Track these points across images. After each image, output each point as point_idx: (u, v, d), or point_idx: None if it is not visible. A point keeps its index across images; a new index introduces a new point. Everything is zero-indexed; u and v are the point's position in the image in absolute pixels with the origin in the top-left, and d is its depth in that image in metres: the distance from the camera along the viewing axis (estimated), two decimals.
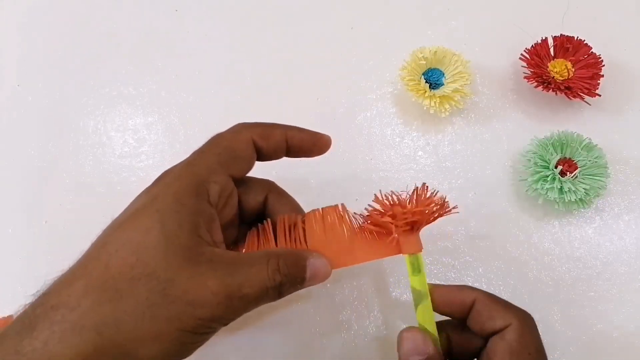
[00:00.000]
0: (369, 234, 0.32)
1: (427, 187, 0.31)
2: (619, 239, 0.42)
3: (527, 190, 0.42)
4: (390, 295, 0.40)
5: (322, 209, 0.32)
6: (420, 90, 0.43)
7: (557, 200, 0.40)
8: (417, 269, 0.31)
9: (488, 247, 0.42)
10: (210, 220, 0.27)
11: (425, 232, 0.42)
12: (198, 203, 0.27)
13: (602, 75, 0.45)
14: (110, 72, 0.48)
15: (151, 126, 0.46)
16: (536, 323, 0.29)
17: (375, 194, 0.31)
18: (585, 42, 0.46)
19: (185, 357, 0.26)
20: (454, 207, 0.31)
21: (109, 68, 0.48)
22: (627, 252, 0.42)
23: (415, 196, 0.31)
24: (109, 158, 0.45)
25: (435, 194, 0.31)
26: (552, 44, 0.46)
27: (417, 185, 0.31)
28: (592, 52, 0.45)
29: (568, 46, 0.45)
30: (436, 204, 0.31)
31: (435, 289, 0.31)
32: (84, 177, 0.44)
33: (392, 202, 0.31)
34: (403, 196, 0.31)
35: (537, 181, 0.41)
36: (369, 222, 0.31)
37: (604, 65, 0.45)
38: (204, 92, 0.47)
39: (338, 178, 0.44)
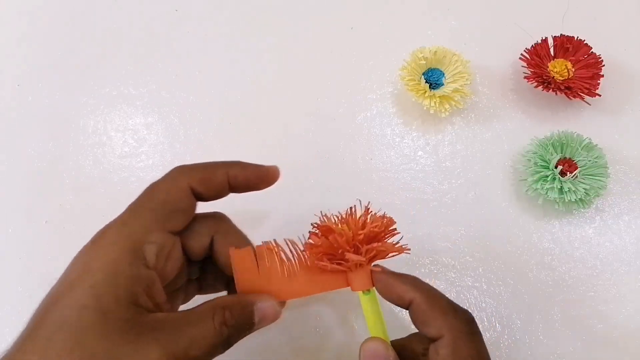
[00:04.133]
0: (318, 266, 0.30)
1: (353, 209, 0.30)
2: (619, 239, 0.42)
3: (527, 190, 0.42)
4: None
5: (272, 242, 0.31)
6: (420, 90, 0.43)
7: (557, 200, 0.40)
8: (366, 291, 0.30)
9: (488, 247, 0.42)
10: (150, 284, 0.26)
11: (425, 232, 0.42)
12: (134, 269, 0.25)
13: (602, 75, 0.45)
14: (110, 72, 0.48)
15: (151, 126, 0.46)
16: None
17: (309, 231, 0.30)
18: (585, 42, 0.46)
19: None
20: (396, 232, 0.30)
21: (109, 68, 0.48)
22: (627, 252, 0.42)
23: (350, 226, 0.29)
24: (109, 158, 0.45)
25: (374, 214, 0.29)
26: (552, 44, 0.46)
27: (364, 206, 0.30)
28: (592, 52, 0.45)
29: (568, 46, 0.45)
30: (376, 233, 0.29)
31: (379, 277, 0.29)
32: (84, 177, 0.44)
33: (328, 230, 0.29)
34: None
35: (537, 181, 0.41)
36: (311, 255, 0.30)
37: (604, 65, 0.45)
38: (204, 92, 0.47)
39: (338, 178, 0.44)
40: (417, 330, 0.29)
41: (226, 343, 0.27)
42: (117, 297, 0.24)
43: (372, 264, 0.30)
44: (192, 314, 0.26)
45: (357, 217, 0.29)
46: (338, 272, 0.29)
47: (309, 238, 0.30)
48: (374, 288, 0.30)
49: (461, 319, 0.28)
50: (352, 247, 0.29)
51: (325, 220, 0.29)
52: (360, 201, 0.30)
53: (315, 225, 0.30)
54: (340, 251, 0.28)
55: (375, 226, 0.29)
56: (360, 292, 0.30)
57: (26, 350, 0.23)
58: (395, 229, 0.30)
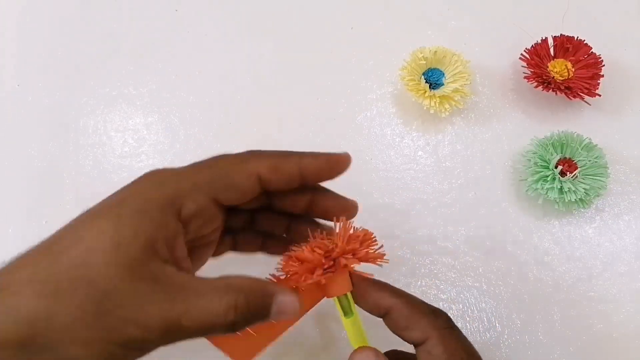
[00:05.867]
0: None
1: (349, 223, 0.29)
2: (619, 239, 0.42)
3: (527, 190, 0.42)
4: None
5: None
6: (420, 90, 0.43)
7: (557, 200, 0.40)
8: (348, 310, 0.29)
9: (488, 247, 0.42)
10: (173, 236, 0.26)
11: (425, 232, 0.42)
12: (164, 216, 0.25)
13: (602, 75, 0.45)
14: (110, 72, 0.48)
15: (151, 126, 0.46)
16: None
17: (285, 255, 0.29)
18: (585, 42, 0.46)
19: None
20: (380, 247, 0.29)
21: (109, 68, 0.48)
22: (627, 252, 0.42)
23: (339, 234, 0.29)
24: (109, 158, 0.45)
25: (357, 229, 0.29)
26: (552, 44, 0.46)
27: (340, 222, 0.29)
28: (592, 52, 0.45)
29: (568, 46, 0.45)
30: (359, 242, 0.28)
31: (357, 283, 0.29)
32: (84, 177, 0.44)
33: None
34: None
35: (537, 181, 0.41)
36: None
37: (604, 65, 0.45)
38: (204, 92, 0.47)
39: (338, 178, 0.44)
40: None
41: (230, 327, 0.25)
42: (136, 234, 0.24)
43: (349, 270, 0.29)
44: (203, 285, 0.25)
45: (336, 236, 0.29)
46: (314, 288, 0.29)
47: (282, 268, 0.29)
48: (349, 294, 0.29)
49: (441, 317, 0.28)
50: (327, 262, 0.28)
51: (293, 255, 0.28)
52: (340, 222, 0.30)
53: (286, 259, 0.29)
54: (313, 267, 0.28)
55: (351, 241, 0.28)
56: (343, 316, 0.29)
57: (38, 254, 0.25)
58: (374, 241, 0.29)
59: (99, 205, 0.26)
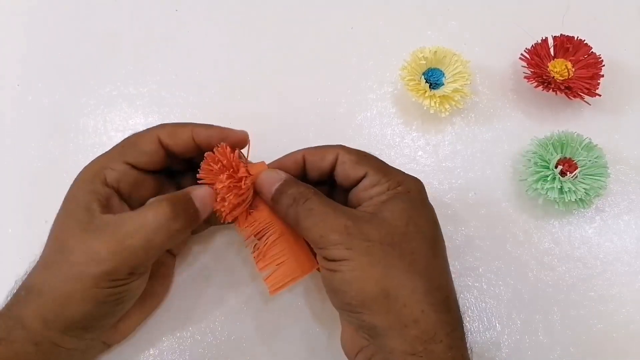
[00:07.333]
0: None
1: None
2: (619, 239, 0.42)
3: (527, 190, 0.42)
4: None
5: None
6: (420, 90, 0.43)
7: (557, 200, 0.40)
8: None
9: (488, 247, 0.42)
10: (107, 197, 0.33)
11: None
12: (93, 185, 0.32)
13: (602, 75, 0.45)
14: (110, 72, 0.48)
15: (151, 126, 0.46)
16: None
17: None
18: (585, 42, 0.46)
19: (112, 309, 0.32)
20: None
21: (109, 68, 0.48)
22: (627, 252, 0.42)
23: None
24: None
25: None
26: (552, 44, 0.46)
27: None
28: (592, 52, 0.45)
29: (568, 46, 0.45)
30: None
31: (309, 152, 0.35)
32: None
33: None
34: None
35: (537, 181, 0.41)
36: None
37: (604, 65, 0.45)
38: (204, 92, 0.47)
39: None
40: None
41: (166, 230, 0.31)
42: (77, 203, 0.32)
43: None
44: (135, 212, 0.31)
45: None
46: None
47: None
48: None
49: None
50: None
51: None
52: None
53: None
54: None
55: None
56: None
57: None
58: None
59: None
